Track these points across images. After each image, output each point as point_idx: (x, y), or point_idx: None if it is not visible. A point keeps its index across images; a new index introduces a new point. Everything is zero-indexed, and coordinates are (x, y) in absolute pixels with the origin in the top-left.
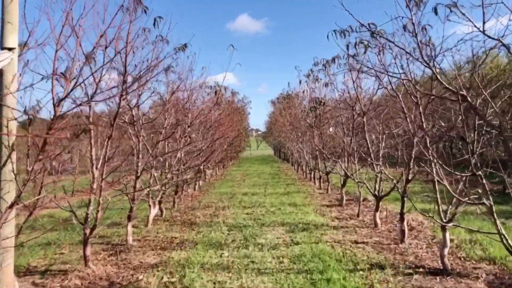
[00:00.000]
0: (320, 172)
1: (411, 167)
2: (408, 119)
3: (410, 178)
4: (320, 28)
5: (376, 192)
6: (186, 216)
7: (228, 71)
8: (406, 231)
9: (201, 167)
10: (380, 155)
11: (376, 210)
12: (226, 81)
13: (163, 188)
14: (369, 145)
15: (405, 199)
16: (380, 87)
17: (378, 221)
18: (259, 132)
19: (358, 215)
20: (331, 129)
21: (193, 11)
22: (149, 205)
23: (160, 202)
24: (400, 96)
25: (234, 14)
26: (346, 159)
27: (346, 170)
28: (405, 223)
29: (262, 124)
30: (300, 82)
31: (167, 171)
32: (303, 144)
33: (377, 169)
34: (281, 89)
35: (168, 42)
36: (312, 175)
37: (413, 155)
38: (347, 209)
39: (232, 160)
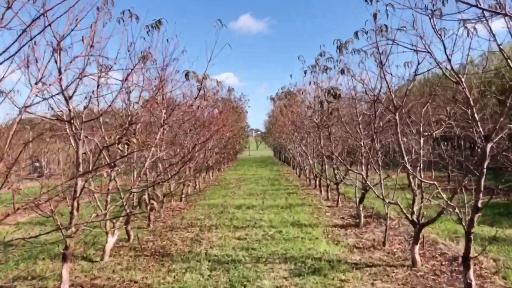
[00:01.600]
0: (328, 180)
1: (482, 187)
2: (476, 114)
3: (480, 205)
4: (322, 24)
5: (415, 217)
6: (160, 242)
7: (215, 53)
8: (473, 284)
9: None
10: (421, 165)
11: (415, 242)
12: (226, 80)
13: (128, 208)
14: (403, 151)
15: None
16: (430, 67)
17: (418, 257)
18: (258, 132)
19: (384, 243)
20: (333, 130)
21: (194, 11)
22: (106, 232)
23: (127, 224)
24: (463, 80)
25: (236, 14)
26: (365, 167)
27: (367, 182)
28: (471, 273)
29: (261, 124)
30: (305, 73)
31: (131, 186)
32: (307, 146)
33: (414, 183)
34: (282, 85)
35: (137, 18)
36: (318, 182)
37: (484, 170)
38: (366, 231)
39: (228, 162)
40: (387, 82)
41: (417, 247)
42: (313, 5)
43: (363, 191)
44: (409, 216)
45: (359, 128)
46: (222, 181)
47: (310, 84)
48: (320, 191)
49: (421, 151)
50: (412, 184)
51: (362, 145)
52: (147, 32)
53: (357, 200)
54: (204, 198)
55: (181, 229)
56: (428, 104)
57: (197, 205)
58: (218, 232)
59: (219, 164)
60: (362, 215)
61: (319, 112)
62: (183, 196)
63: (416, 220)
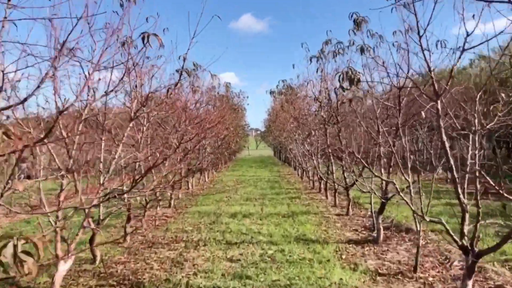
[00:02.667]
0: (336, 184)
1: None
2: None
3: None
4: (322, 24)
5: (466, 242)
6: (133, 264)
7: (200, 27)
8: None
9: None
10: (477, 171)
11: (469, 276)
12: (225, 79)
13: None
14: (448, 153)
15: None
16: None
17: None
18: (258, 132)
19: (415, 269)
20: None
21: (193, 10)
22: (56, 257)
23: (92, 242)
24: None
25: (237, 14)
26: (386, 170)
27: (396, 188)
28: None
29: (261, 122)
30: (310, 60)
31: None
32: (312, 145)
33: (463, 196)
34: (284, 78)
35: None
36: (323, 186)
37: None
38: (388, 249)
39: (226, 163)
40: (425, 59)
41: (470, 283)
42: (312, 4)
43: (383, 200)
44: (457, 239)
45: (379, 123)
46: (218, 183)
47: (317, 71)
48: (326, 196)
49: (476, 153)
50: (461, 197)
51: (382, 143)
52: (121, 5)
53: (373, 209)
54: (196, 203)
55: (163, 245)
56: (483, 88)
57: (187, 213)
58: (206, 250)
59: (214, 166)
60: (382, 229)
61: (327, 106)
62: (172, 200)
63: (469, 246)
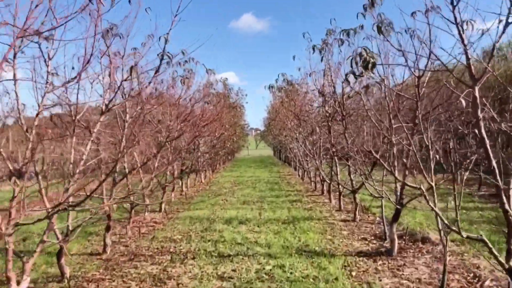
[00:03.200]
0: (340, 187)
1: None
2: None
3: None
4: (322, 24)
5: None
6: (108, 282)
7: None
8: None
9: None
10: None
11: None
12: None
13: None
14: (489, 151)
15: None
16: None
17: None
18: (258, 132)
19: None
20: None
21: (197, 10)
22: (7, 278)
23: (60, 257)
24: None
25: (238, 14)
26: (401, 172)
27: (425, 196)
28: None
29: (260, 121)
30: (313, 49)
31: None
32: (315, 144)
33: (510, 205)
34: (283, 72)
35: None
36: (326, 188)
37: None
38: (405, 264)
39: (224, 163)
40: (460, 34)
41: None
42: (312, 4)
43: (398, 207)
44: (502, 261)
45: (391, 118)
46: (215, 184)
47: (321, 60)
48: (330, 199)
49: None
50: (507, 206)
51: (399, 140)
52: None
53: (383, 214)
54: (189, 207)
55: (146, 257)
56: None
57: (177, 218)
58: (194, 264)
59: (211, 166)
60: (396, 239)
61: (332, 100)
62: (163, 204)
63: None
